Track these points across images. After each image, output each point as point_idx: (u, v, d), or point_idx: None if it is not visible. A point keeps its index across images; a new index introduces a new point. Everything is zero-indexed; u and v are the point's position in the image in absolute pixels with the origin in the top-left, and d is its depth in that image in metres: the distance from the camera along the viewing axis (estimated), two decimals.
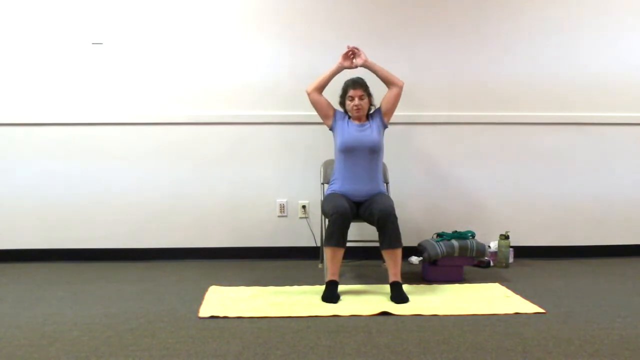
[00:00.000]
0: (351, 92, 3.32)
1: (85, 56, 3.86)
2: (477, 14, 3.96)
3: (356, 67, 3.38)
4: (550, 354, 2.20)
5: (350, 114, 3.36)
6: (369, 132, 3.30)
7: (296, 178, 3.99)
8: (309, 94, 3.39)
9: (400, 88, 3.38)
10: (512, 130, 4.04)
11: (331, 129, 3.41)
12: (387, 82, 3.38)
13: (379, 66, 3.37)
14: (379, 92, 3.41)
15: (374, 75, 3.39)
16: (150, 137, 3.92)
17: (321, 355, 2.19)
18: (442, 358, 2.16)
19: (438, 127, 4.01)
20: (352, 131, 3.29)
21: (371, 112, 3.43)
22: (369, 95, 3.37)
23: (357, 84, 3.33)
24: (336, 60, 3.40)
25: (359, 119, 3.36)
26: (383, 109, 3.39)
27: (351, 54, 3.39)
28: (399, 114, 3.49)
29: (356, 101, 3.30)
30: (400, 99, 3.40)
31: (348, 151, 3.26)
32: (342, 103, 3.41)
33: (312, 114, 3.50)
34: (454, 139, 4.02)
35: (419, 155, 4.02)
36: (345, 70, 3.41)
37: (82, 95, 3.88)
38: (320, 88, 3.39)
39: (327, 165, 3.74)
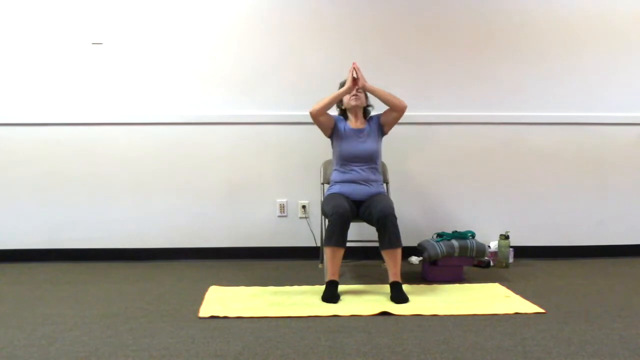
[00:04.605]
0: None
1: (85, 56, 3.86)
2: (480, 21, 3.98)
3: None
4: (550, 354, 2.20)
5: (347, 105, 3.36)
6: (366, 140, 3.31)
7: (296, 178, 3.99)
8: (314, 117, 3.27)
9: (402, 113, 3.31)
10: (512, 130, 4.04)
11: (330, 136, 3.41)
12: (389, 105, 3.30)
13: (380, 89, 3.28)
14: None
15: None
16: (150, 137, 3.92)
17: (321, 355, 2.19)
18: (442, 358, 2.16)
19: (438, 127, 4.01)
20: (350, 140, 3.30)
21: (370, 115, 3.44)
22: (366, 94, 3.38)
23: (354, 79, 3.33)
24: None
25: (355, 115, 3.35)
26: (382, 120, 3.38)
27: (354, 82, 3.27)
28: None
29: (353, 91, 3.30)
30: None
31: (347, 159, 3.28)
32: (340, 101, 3.41)
33: None
34: (454, 139, 4.02)
35: (419, 155, 4.02)
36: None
37: (82, 95, 3.88)
38: (326, 111, 3.29)
39: (327, 165, 3.74)
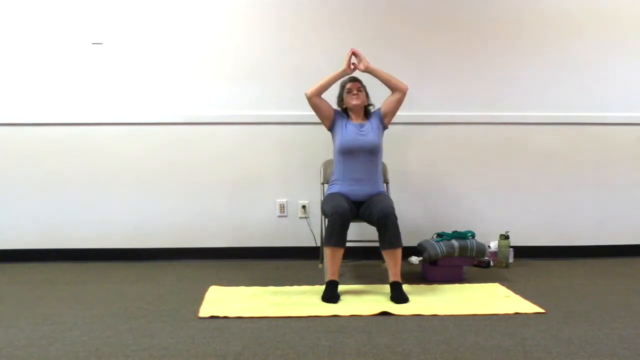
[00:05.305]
0: (349, 85, 3.35)
1: (85, 56, 3.86)
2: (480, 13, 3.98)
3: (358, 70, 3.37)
4: (550, 354, 2.20)
5: (348, 105, 3.36)
6: (368, 133, 3.30)
7: (296, 178, 3.99)
8: (309, 98, 3.32)
9: (404, 93, 3.34)
10: (512, 130, 4.04)
11: (330, 129, 3.41)
12: (391, 86, 3.35)
13: (382, 70, 3.33)
14: (381, 96, 3.40)
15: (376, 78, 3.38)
16: (150, 137, 3.92)
17: (321, 355, 2.19)
18: (442, 358, 2.16)
19: (438, 127, 4.01)
20: (351, 133, 3.29)
21: (371, 111, 3.44)
22: (367, 93, 3.39)
23: (355, 78, 3.38)
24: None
25: (357, 113, 3.35)
26: (383, 110, 3.38)
27: (353, 66, 3.32)
28: (399, 113, 3.49)
29: (354, 90, 3.32)
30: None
31: (347, 153, 3.27)
32: (341, 100, 3.41)
33: (312, 113, 3.50)
34: (454, 139, 4.02)
35: (419, 155, 4.02)
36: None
37: (82, 95, 3.89)
38: (322, 92, 3.34)
39: (327, 165, 3.74)
